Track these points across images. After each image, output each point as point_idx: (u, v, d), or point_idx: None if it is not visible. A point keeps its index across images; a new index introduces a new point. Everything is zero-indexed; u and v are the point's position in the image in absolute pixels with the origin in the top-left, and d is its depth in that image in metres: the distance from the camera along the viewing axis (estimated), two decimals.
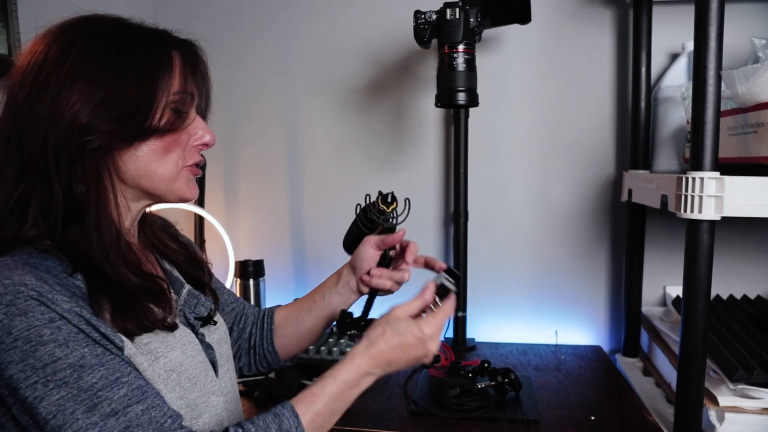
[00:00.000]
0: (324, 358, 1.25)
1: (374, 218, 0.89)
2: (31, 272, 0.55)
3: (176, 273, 0.77)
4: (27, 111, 0.60)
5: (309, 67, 1.56)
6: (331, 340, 1.33)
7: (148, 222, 0.76)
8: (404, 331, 0.71)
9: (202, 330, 0.74)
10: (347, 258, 0.93)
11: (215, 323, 0.77)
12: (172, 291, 0.72)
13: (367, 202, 0.91)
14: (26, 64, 0.61)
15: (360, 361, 0.69)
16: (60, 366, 0.53)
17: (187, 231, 1.31)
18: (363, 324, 0.85)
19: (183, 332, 0.68)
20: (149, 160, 0.65)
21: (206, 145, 0.70)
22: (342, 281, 0.90)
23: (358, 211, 0.93)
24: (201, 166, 0.71)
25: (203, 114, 0.72)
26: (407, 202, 0.91)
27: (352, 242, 0.92)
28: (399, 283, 0.88)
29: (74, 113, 0.59)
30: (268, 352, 0.91)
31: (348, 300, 0.90)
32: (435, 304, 0.76)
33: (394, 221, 0.90)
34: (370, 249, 0.88)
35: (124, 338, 0.59)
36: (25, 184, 0.60)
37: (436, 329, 0.73)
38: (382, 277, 0.86)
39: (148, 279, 0.65)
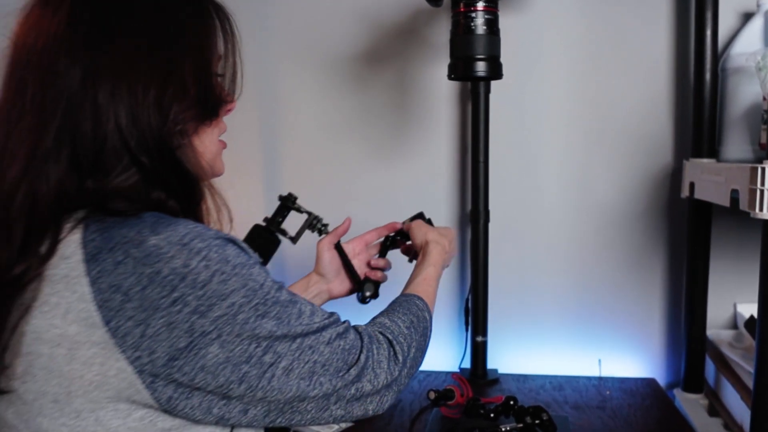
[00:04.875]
0: None
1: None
2: None
3: None
4: (83, 102, 0.61)
5: (291, 29, 1.56)
6: None
7: None
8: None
9: None
10: None
11: None
12: None
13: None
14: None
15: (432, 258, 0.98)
16: (270, 297, 0.64)
17: None
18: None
19: None
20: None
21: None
22: (311, 290, 1.08)
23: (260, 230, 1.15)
24: None
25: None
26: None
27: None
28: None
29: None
30: None
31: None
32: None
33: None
34: (328, 252, 1.09)
35: None
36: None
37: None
38: (386, 267, 1.11)
39: None
